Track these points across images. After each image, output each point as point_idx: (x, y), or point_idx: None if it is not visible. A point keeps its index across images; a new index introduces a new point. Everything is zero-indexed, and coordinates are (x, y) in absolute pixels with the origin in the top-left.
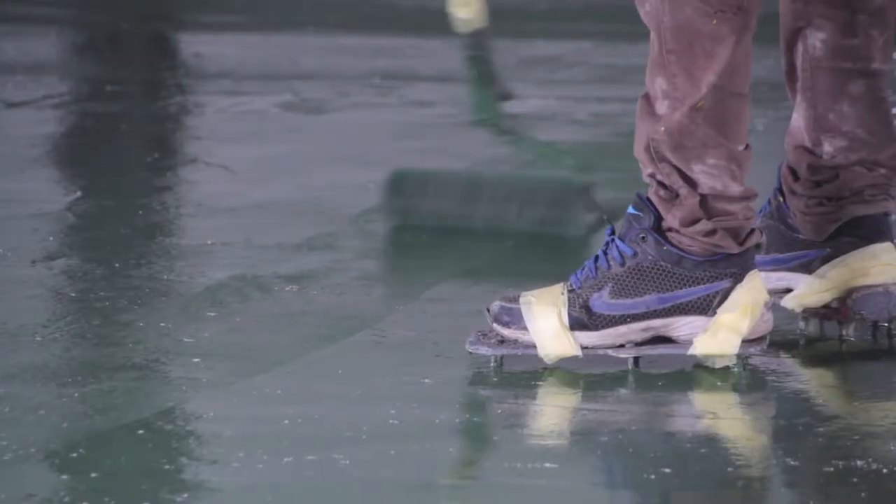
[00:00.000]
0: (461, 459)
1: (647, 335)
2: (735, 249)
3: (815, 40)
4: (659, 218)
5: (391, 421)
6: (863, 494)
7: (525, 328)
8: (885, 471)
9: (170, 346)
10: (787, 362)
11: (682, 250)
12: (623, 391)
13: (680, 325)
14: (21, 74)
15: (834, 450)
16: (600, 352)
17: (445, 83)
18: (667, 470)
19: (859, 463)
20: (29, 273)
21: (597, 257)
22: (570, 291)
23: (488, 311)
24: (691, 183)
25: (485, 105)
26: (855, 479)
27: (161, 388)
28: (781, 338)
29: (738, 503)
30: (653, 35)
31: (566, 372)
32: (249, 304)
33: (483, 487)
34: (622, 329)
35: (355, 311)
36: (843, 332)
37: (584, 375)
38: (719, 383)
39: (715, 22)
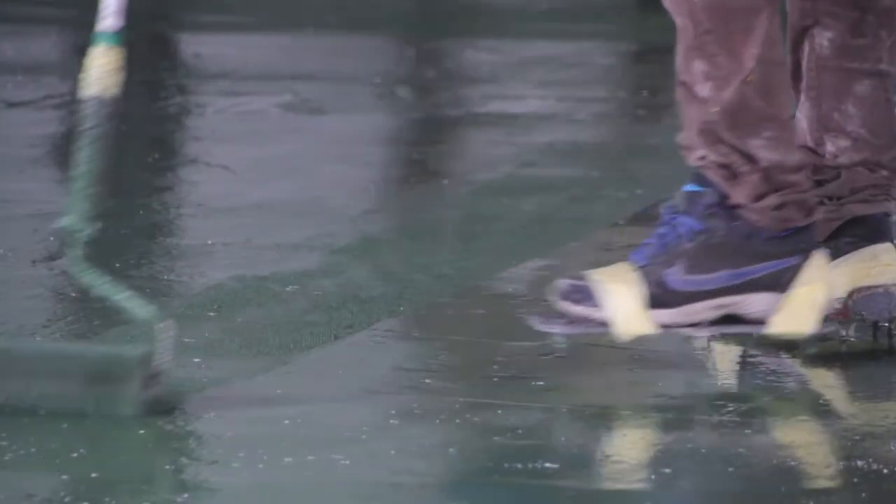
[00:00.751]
0: (461, 459)
1: (720, 313)
2: (803, 222)
3: (823, 39)
4: (724, 194)
5: (391, 421)
6: (863, 495)
7: (597, 305)
8: (885, 471)
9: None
10: (788, 362)
11: (751, 226)
12: (622, 391)
13: (751, 303)
14: (21, 74)
15: (834, 450)
16: (675, 330)
17: (443, 82)
18: (667, 470)
19: (860, 463)
20: (29, 273)
21: (662, 234)
22: (641, 268)
23: (555, 289)
24: (751, 159)
25: (79, 209)
26: (855, 480)
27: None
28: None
29: (737, 503)
30: (683, 21)
31: (566, 372)
32: (249, 304)
33: (483, 487)
34: (697, 306)
35: (355, 311)
36: (844, 333)
37: (583, 375)
38: (719, 384)
39: None
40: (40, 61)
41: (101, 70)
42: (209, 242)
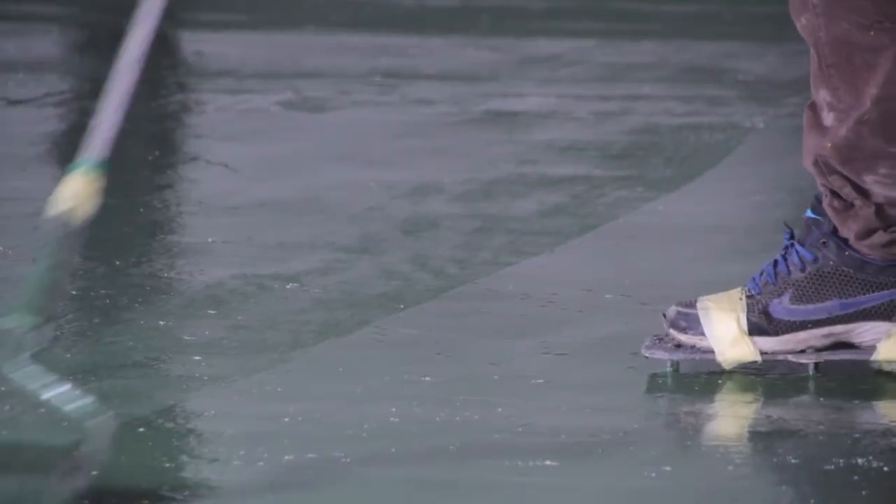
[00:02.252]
0: (461, 458)
1: (829, 341)
2: None
3: None
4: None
5: (392, 419)
6: (864, 492)
7: (702, 334)
8: (885, 469)
9: (170, 344)
10: (788, 359)
11: (863, 255)
12: (624, 392)
13: (862, 331)
14: (22, 72)
15: (834, 448)
16: (780, 357)
17: (447, 81)
18: (667, 468)
19: (860, 461)
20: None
21: (776, 262)
22: (748, 297)
23: (665, 316)
24: (865, 193)
25: (26, 310)
26: (856, 477)
27: (161, 385)
28: None
29: (738, 501)
30: (811, 49)
31: (566, 369)
32: (250, 302)
33: (483, 485)
34: (802, 335)
35: (356, 310)
36: None
37: (583, 373)
38: (720, 381)
39: (872, 33)
40: (41, 59)
41: (74, 193)
42: (210, 240)
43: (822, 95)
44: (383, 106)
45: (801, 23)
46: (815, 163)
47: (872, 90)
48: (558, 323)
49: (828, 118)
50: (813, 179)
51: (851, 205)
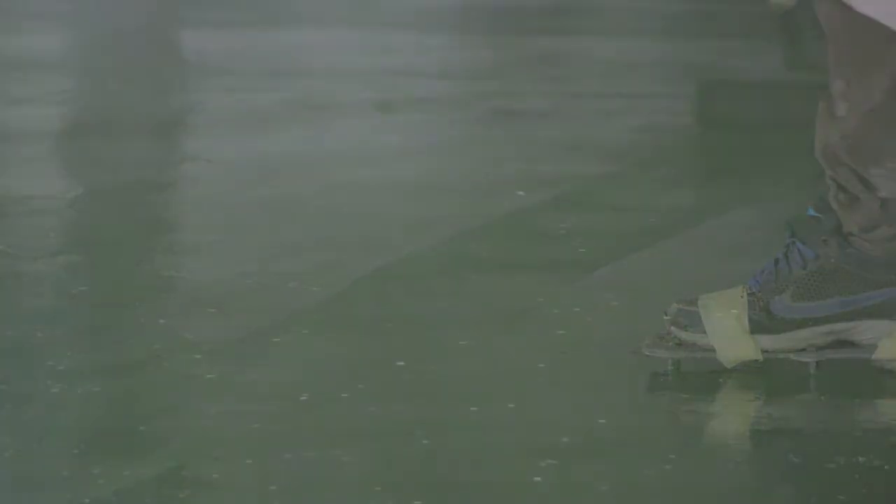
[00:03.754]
0: (460, 457)
1: (830, 339)
2: None
3: None
4: (839, 220)
5: (392, 417)
6: (864, 491)
7: (703, 331)
8: (886, 467)
9: (171, 342)
10: (789, 358)
11: (865, 253)
12: (625, 391)
13: (863, 329)
14: (23, 71)
15: (836, 446)
16: (781, 356)
17: (448, 80)
18: (668, 467)
19: (861, 459)
20: (30, 269)
21: (777, 260)
22: (750, 294)
23: (666, 314)
24: (870, 187)
25: (797, 63)
26: (857, 476)
27: (162, 384)
28: None
29: (739, 500)
30: (828, 39)
31: (566, 367)
32: (250, 300)
33: (482, 484)
34: (804, 333)
35: (356, 308)
36: None
37: (583, 371)
38: (721, 380)
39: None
40: (41, 57)
41: None
42: (210, 239)
43: (837, 86)
44: (384, 104)
45: (821, 10)
46: (824, 152)
47: (885, 82)
48: (558, 321)
49: (840, 109)
50: (814, 177)
51: (857, 198)
